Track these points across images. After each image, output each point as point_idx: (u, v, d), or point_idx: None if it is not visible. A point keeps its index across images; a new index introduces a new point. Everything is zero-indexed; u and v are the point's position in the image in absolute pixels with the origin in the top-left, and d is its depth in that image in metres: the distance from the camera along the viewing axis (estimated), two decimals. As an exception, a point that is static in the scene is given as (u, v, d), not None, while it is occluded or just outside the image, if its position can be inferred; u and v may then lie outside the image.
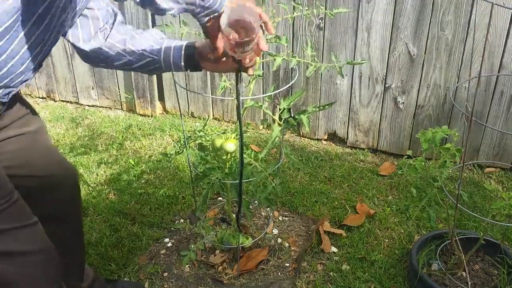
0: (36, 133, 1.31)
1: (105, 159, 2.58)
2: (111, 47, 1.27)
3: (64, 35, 1.22)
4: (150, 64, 1.30)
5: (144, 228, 2.05)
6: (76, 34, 1.24)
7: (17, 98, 1.23)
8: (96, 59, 1.29)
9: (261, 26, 1.07)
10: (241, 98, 1.26)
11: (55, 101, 3.34)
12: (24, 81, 1.13)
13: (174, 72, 1.38)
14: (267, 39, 1.50)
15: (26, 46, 1.05)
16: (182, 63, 1.28)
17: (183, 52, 1.27)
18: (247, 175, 1.49)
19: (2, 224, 1.09)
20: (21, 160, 1.25)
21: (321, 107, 1.44)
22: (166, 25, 1.50)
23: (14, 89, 1.12)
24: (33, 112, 1.31)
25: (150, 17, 2.81)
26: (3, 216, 1.08)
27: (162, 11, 0.98)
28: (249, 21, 1.03)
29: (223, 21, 1.02)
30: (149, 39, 1.29)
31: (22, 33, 1.03)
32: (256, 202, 2.12)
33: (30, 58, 1.08)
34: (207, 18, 1.05)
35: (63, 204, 1.42)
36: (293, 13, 1.54)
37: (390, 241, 1.97)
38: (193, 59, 1.27)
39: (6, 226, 1.10)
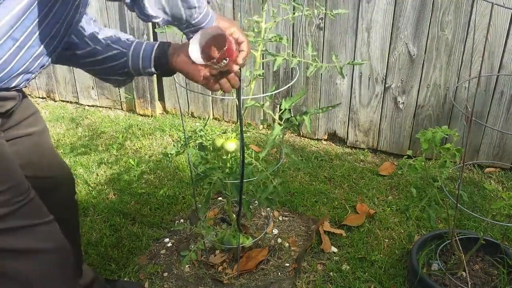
0: (41, 134, 1.32)
1: (105, 159, 2.58)
2: (76, 33, 1.23)
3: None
4: (116, 58, 1.23)
5: (144, 228, 2.05)
6: None
7: (25, 96, 1.23)
8: None
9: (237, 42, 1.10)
10: (241, 97, 1.26)
11: (55, 101, 3.34)
12: (42, 66, 1.13)
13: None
14: (269, 39, 1.50)
15: (43, 26, 1.06)
16: (153, 56, 1.21)
17: (156, 47, 1.21)
18: (248, 175, 1.49)
19: (19, 221, 1.10)
20: (26, 160, 1.26)
21: (325, 108, 1.43)
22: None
23: (33, 74, 1.12)
24: (38, 112, 1.32)
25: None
26: (21, 213, 1.09)
27: (147, 18, 0.97)
28: (221, 37, 1.07)
29: (194, 54, 1.06)
30: (119, 34, 1.26)
31: (42, 12, 1.03)
32: (256, 202, 2.12)
33: (47, 40, 1.08)
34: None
35: (62, 205, 1.42)
36: (294, 13, 1.54)
37: (390, 241, 1.97)
38: (166, 56, 1.20)
39: (24, 223, 1.11)
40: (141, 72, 1.25)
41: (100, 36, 1.25)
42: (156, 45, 1.22)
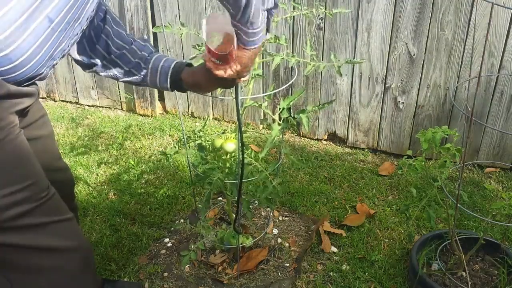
0: (47, 138, 1.32)
1: (105, 159, 2.58)
2: (98, 54, 1.30)
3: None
4: (134, 81, 1.34)
5: (144, 228, 2.05)
6: None
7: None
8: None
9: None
10: (240, 97, 1.26)
11: (55, 101, 3.34)
12: (63, 52, 1.14)
13: None
14: (267, 39, 1.50)
15: (74, 9, 1.07)
16: (168, 81, 1.32)
17: (170, 72, 1.31)
18: (247, 175, 1.49)
19: (42, 217, 1.11)
20: None
21: (320, 106, 1.44)
22: (166, 26, 1.50)
23: (55, 61, 1.13)
24: (46, 115, 1.33)
25: (150, 17, 2.81)
26: (43, 209, 1.10)
27: None
28: (228, 32, 1.05)
29: (203, 32, 1.05)
30: (140, 50, 1.32)
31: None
32: (256, 202, 2.12)
33: (72, 24, 1.09)
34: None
35: None
36: (293, 13, 1.54)
37: (390, 241, 1.97)
38: (179, 79, 1.31)
39: (47, 219, 1.12)
40: (160, 89, 1.38)
41: (120, 60, 1.30)
42: (171, 71, 1.31)
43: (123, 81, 1.35)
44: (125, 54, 1.30)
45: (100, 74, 1.33)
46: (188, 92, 2.94)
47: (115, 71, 1.31)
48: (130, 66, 1.31)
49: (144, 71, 1.31)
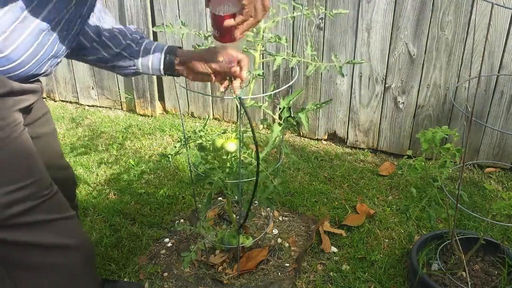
0: (50, 136, 1.32)
1: (105, 159, 2.58)
2: (86, 36, 1.25)
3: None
4: (125, 66, 1.30)
5: (144, 228, 2.05)
6: None
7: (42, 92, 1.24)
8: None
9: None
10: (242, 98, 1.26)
11: (55, 101, 3.34)
12: (68, 49, 1.13)
13: None
14: (269, 39, 1.50)
15: (72, 9, 1.06)
16: (162, 64, 1.28)
17: (164, 52, 1.28)
18: (248, 175, 1.49)
19: (45, 214, 1.11)
20: None
21: (319, 105, 1.44)
22: (166, 25, 1.50)
23: (59, 59, 1.13)
24: (49, 113, 1.33)
25: (150, 17, 2.81)
26: (45, 206, 1.10)
27: None
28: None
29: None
30: (129, 34, 1.29)
31: None
32: (256, 202, 2.12)
33: (74, 19, 1.09)
34: None
35: None
36: (293, 13, 1.54)
37: (390, 241, 1.97)
38: (173, 59, 1.28)
39: (49, 217, 1.12)
40: (150, 73, 1.32)
41: (111, 42, 1.27)
42: (165, 50, 1.27)
43: (111, 66, 1.29)
44: (117, 36, 1.27)
45: (88, 57, 1.28)
46: (188, 92, 2.96)
47: (104, 53, 1.26)
48: (121, 48, 1.27)
49: (136, 53, 1.27)
